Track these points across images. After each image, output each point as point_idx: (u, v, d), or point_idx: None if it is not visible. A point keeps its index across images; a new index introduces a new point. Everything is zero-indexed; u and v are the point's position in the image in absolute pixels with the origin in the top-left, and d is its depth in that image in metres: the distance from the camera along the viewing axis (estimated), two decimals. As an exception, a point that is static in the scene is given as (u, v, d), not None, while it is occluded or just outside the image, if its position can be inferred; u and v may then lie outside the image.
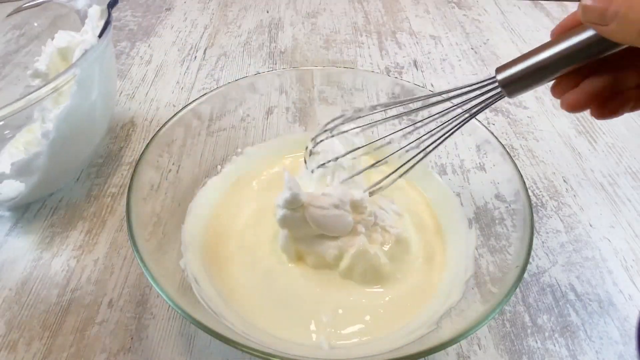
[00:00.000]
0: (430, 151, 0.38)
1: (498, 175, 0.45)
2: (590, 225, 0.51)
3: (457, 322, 0.34)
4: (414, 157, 0.40)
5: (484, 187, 0.46)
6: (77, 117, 0.46)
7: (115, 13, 0.56)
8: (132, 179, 0.39)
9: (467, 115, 0.34)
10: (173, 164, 0.45)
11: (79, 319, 0.41)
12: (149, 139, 0.43)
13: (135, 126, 0.62)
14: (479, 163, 0.47)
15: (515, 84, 0.30)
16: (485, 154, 0.46)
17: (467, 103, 0.34)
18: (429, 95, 0.37)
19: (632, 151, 0.61)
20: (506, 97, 0.32)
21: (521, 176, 0.41)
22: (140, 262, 0.33)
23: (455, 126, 0.35)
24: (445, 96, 0.35)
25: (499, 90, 0.31)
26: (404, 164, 0.41)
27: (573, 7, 0.93)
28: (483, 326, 0.32)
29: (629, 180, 0.57)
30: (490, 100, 0.32)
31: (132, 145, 0.59)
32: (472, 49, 0.80)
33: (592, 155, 0.60)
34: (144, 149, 0.41)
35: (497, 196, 0.44)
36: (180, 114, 0.46)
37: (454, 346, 0.40)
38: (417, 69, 0.75)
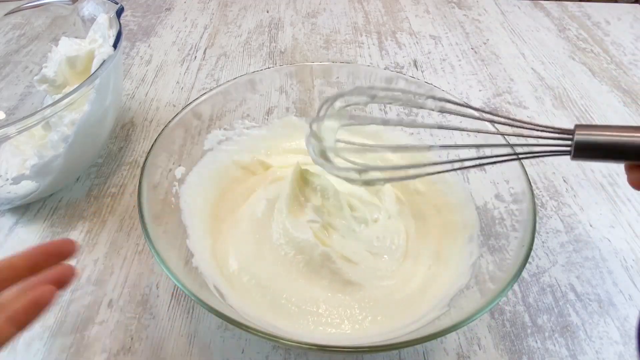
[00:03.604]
0: (457, 169, 0.35)
1: (498, 175, 0.45)
2: (590, 225, 0.51)
3: (456, 316, 0.34)
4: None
5: (484, 187, 0.46)
6: (93, 121, 0.49)
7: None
8: (145, 163, 0.40)
9: (515, 155, 0.32)
10: (173, 163, 0.45)
11: (79, 319, 0.41)
12: (151, 137, 0.43)
13: (135, 126, 0.62)
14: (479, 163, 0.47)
15: (591, 151, 0.28)
16: (484, 154, 0.46)
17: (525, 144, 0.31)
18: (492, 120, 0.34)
19: (632, 151, 0.61)
20: (567, 157, 0.29)
21: (524, 170, 0.41)
22: (152, 248, 0.34)
23: (498, 159, 0.33)
24: (512, 130, 0.32)
25: (568, 148, 0.28)
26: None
27: (573, 7, 0.93)
28: (484, 313, 0.32)
29: (629, 180, 0.57)
30: (551, 152, 0.30)
31: (132, 145, 0.59)
32: (472, 49, 0.80)
33: (592, 155, 0.60)
34: (160, 132, 0.42)
35: (497, 196, 0.44)
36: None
37: (454, 346, 0.40)
38: (417, 69, 0.75)
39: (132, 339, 0.40)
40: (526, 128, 0.30)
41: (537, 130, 0.30)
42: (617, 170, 0.58)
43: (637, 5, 0.97)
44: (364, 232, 0.44)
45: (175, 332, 0.40)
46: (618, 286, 0.45)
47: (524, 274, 0.46)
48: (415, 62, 0.76)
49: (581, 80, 0.73)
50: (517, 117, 0.65)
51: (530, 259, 0.43)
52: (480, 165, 0.33)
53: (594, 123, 0.28)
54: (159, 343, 0.39)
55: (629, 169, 0.30)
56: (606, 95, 0.70)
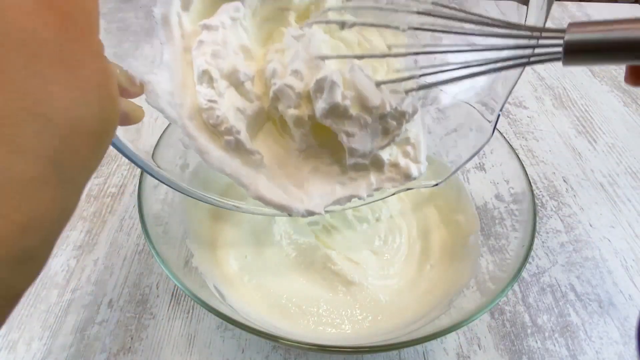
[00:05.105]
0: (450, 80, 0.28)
1: (498, 175, 0.45)
2: (590, 225, 0.51)
3: (456, 316, 0.34)
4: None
5: (484, 187, 0.46)
6: None
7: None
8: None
9: (511, 61, 0.26)
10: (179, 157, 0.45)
11: (79, 319, 0.41)
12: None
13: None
14: (479, 163, 0.47)
15: (584, 53, 0.23)
16: (484, 154, 0.46)
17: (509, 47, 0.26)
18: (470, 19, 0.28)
19: (632, 151, 0.61)
20: (558, 63, 0.24)
21: (523, 166, 0.41)
22: (152, 248, 0.34)
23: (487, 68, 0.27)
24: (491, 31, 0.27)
25: (558, 50, 0.23)
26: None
27: (573, 7, 0.93)
28: (484, 313, 0.32)
29: (629, 180, 0.57)
30: (541, 58, 0.24)
31: (132, 145, 0.59)
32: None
33: (592, 155, 0.60)
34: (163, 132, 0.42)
35: (497, 196, 0.44)
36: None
37: (454, 346, 0.40)
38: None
39: (132, 339, 0.40)
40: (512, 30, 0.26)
41: (522, 34, 0.25)
42: (617, 170, 0.58)
43: (637, 5, 0.97)
44: (366, 231, 0.44)
45: (175, 332, 0.40)
46: (618, 286, 0.45)
47: (524, 274, 0.46)
48: (415, 62, 0.76)
49: (581, 80, 0.73)
50: (517, 116, 0.65)
51: (530, 259, 0.44)
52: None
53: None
54: (159, 343, 0.39)
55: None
56: (606, 95, 0.70)
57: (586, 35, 0.22)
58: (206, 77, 0.30)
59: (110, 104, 0.20)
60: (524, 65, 0.26)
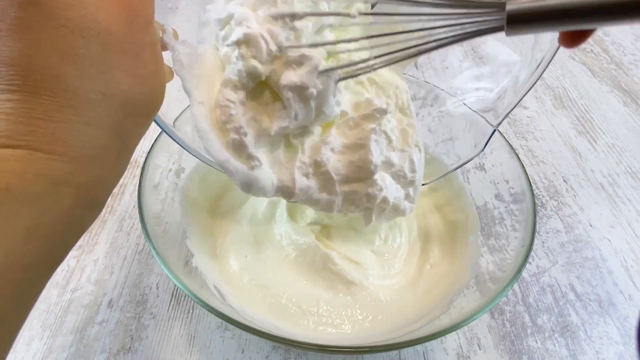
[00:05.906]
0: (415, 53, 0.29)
1: (498, 175, 0.45)
2: (590, 225, 0.51)
3: (456, 316, 0.34)
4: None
5: (484, 187, 0.46)
6: None
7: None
8: (145, 163, 0.40)
9: (459, 33, 0.27)
10: (173, 163, 0.45)
11: (79, 319, 0.41)
12: (151, 136, 0.42)
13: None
14: (479, 163, 0.47)
15: (523, 23, 0.24)
16: (484, 154, 0.46)
17: (462, 22, 0.27)
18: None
19: (632, 151, 0.61)
20: (502, 34, 0.25)
21: (522, 166, 0.41)
22: (152, 248, 0.34)
23: (444, 40, 0.28)
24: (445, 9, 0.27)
25: (500, 20, 0.25)
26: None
27: (573, 7, 0.93)
28: (484, 313, 0.32)
29: (629, 180, 0.57)
30: (484, 30, 0.26)
31: (132, 145, 0.59)
32: (472, 49, 0.80)
33: (592, 155, 0.60)
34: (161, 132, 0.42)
35: (497, 196, 0.44)
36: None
37: (454, 346, 0.40)
38: (417, 69, 0.75)
39: (132, 338, 0.40)
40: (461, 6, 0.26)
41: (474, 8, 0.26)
42: (617, 170, 0.58)
43: (637, 5, 0.97)
44: (366, 231, 0.44)
45: (175, 332, 0.40)
46: (618, 286, 0.45)
47: (524, 274, 0.46)
48: (415, 62, 0.76)
49: (581, 80, 0.73)
50: (517, 116, 0.65)
51: (530, 259, 0.44)
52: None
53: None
54: (159, 343, 0.39)
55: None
56: (606, 95, 0.70)
57: (525, 5, 0.24)
58: (232, 84, 0.31)
59: (160, 87, 0.24)
60: (466, 38, 0.27)
